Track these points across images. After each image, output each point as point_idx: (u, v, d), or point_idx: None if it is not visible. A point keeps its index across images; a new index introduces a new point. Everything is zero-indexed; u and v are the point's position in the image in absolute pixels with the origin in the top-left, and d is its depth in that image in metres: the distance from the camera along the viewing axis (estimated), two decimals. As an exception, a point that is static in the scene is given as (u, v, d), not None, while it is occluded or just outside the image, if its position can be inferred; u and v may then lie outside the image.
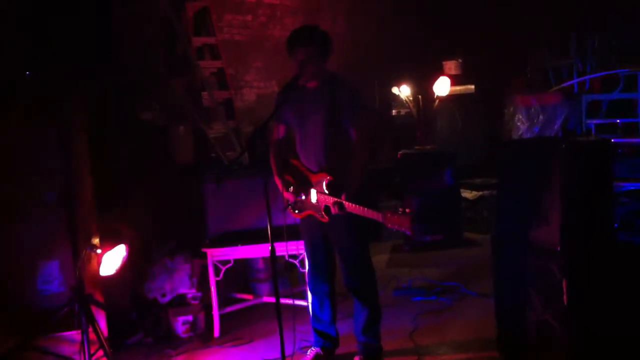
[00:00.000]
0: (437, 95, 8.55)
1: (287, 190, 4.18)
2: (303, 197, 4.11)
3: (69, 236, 4.54)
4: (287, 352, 3.80)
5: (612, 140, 7.05)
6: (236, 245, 4.92)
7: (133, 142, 6.51)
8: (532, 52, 9.74)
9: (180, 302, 5.17)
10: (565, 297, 3.50)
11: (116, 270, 4.59)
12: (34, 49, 4.76)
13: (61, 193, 4.56)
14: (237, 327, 5.09)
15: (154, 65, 7.48)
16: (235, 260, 5.01)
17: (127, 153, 6.32)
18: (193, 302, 5.18)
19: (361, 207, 3.74)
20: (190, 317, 5.00)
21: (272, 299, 4.26)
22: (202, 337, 4.98)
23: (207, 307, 5.07)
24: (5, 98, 4.60)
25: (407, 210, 3.53)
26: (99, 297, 4.60)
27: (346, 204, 3.79)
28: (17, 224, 4.53)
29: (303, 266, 4.70)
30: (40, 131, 4.56)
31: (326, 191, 3.94)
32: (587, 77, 9.04)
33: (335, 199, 3.84)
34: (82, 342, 4.31)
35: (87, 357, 4.33)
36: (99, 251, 4.47)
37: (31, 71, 4.75)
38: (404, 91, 8.72)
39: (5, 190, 4.51)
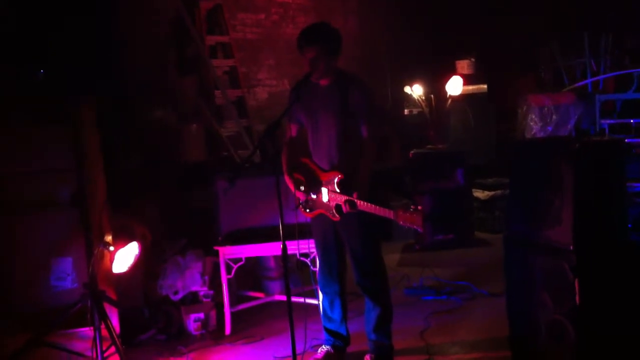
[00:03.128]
0: (449, 95, 8.53)
1: (298, 189, 4.18)
2: (314, 196, 4.12)
3: (82, 234, 4.57)
4: (298, 350, 3.80)
5: (626, 141, 7.03)
6: (248, 243, 4.93)
7: (145, 140, 6.55)
8: (545, 51, 9.70)
9: (192, 300, 5.20)
10: (577, 296, 3.49)
11: (129, 268, 4.62)
12: (46, 49, 4.80)
13: (74, 191, 4.60)
14: (249, 325, 5.11)
15: (164, 65, 7.51)
16: (247, 259, 5.03)
17: (140, 151, 6.35)
18: (205, 299, 5.20)
19: (373, 205, 3.74)
20: (202, 315, 5.01)
21: (284, 298, 4.27)
22: (214, 334, 4.99)
23: (219, 305, 5.09)
24: (19, 98, 4.64)
25: (419, 207, 3.53)
26: (112, 294, 4.62)
27: (358, 202, 3.79)
28: (31, 222, 4.57)
29: (314, 265, 4.70)
30: (53, 131, 4.60)
31: (337, 190, 3.94)
32: (600, 76, 8.99)
33: (347, 197, 3.84)
34: (94, 339, 4.33)
35: (99, 353, 4.35)
36: (111, 248, 4.50)
37: (44, 70, 4.79)
38: (416, 90, 8.70)
39: (20, 188, 4.55)
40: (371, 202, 3.76)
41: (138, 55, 6.69)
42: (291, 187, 4.22)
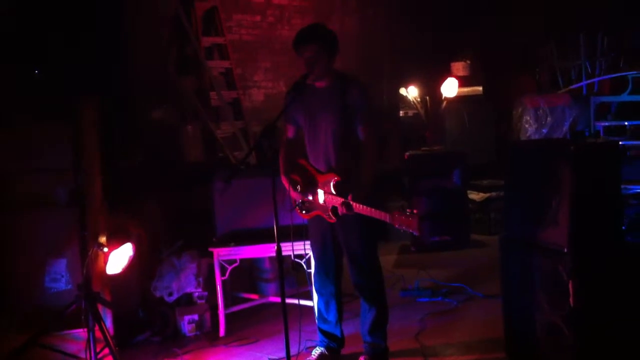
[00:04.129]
0: (444, 97, 8.54)
1: (294, 190, 4.17)
2: (310, 198, 4.11)
3: (77, 234, 4.56)
4: (293, 351, 3.80)
5: (621, 143, 7.05)
6: (242, 244, 4.92)
7: (145, 140, 6.54)
8: (541, 53, 9.72)
9: (186, 301, 5.19)
10: (572, 298, 3.49)
11: (123, 269, 4.61)
12: (46, 49, 4.79)
13: (71, 191, 4.59)
14: (243, 327, 5.10)
15: (164, 65, 7.50)
16: (242, 260, 5.02)
17: (139, 151, 6.34)
18: (199, 301, 5.19)
19: (368, 208, 3.73)
20: (196, 316, 5.00)
21: (278, 299, 4.27)
22: (208, 336, 4.98)
23: (214, 307, 5.08)
24: (18, 98, 4.64)
25: (415, 211, 3.53)
26: (106, 296, 4.61)
27: (353, 204, 3.79)
28: (28, 220, 4.56)
29: (309, 266, 4.70)
30: (51, 130, 4.60)
31: (334, 191, 3.93)
32: (596, 79, 9.02)
33: (343, 200, 3.83)
34: (88, 340, 4.32)
35: (93, 355, 4.34)
36: (106, 250, 4.49)
37: (41, 70, 4.78)
38: (411, 92, 8.71)
39: (17, 186, 4.55)
40: (367, 204, 3.75)
41: (139, 55, 6.67)
42: (288, 188, 4.20)
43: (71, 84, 4.70)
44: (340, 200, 3.86)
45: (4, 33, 4.65)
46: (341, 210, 3.86)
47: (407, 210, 3.57)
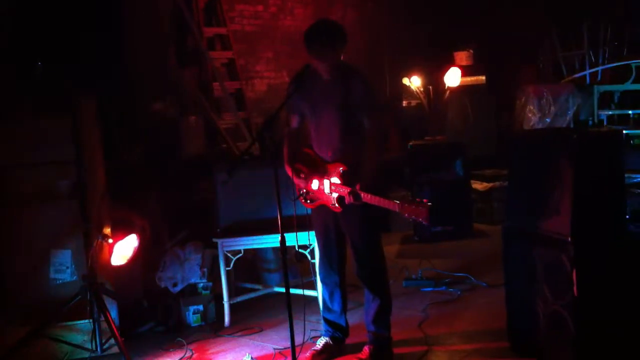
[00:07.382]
0: (447, 86, 8.52)
1: (299, 179, 4.17)
2: (315, 187, 4.11)
3: (81, 226, 4.58)
4: (297, 341, 3.81)
5: (624, 132, 7.04)
6: (246, 235, 4.93)
7: (147, 133, 6.55)
8: (544, 42, 9.69)
9: (191, 292, 5.20)
10: (575, 287, 3.50)
11: (128, 260, 4.62)
12: (47, 46, 4.80)
13: (74, 183, 4.61)
14: (248, 317, 5.11)
15: (165, 57, 7.49)
16: (246, 250, 5.03)
17: (141, 144, 6.36)
18: (204, 291, 5.20)
19: (377, 197, 3.74)
20: (201, 307, 5.02)
21: (282, 289, 4.28)
22: (213, 326, 5.00)
23: (218, 297, 5.10)
24: (19, 96, 4.65)
25: (425, 200, 3.54)
26: (111, 287, 4.63)
27: (362, 193, 3.79)
28: (31, 213, 4.58)
29: (313, 257, 4.71)
30: (54, 123, 4.61)
31: (340, 181, 3.93)
32: (599, 68, 8.99)
33: (351, 189, 3.83)
34: (93, 331, 4.36)
35: (98, 345, 4.38)
36: (110, 241, 4.51)
37: (43, 62, 4.79)
38: (414, 82, 8.69)
39: (20, 180, 4.56)
40: (374, 193, 3.76)
41: (139, 48, 6.67)
42: (290, 174, 4.20)
43: (71, 81, 4.72)
44: (347, 189, 3.85)
45: (4, 33, 4.67)
46: (348, 200, 3.86)
47: (417, 199, 3.58)
